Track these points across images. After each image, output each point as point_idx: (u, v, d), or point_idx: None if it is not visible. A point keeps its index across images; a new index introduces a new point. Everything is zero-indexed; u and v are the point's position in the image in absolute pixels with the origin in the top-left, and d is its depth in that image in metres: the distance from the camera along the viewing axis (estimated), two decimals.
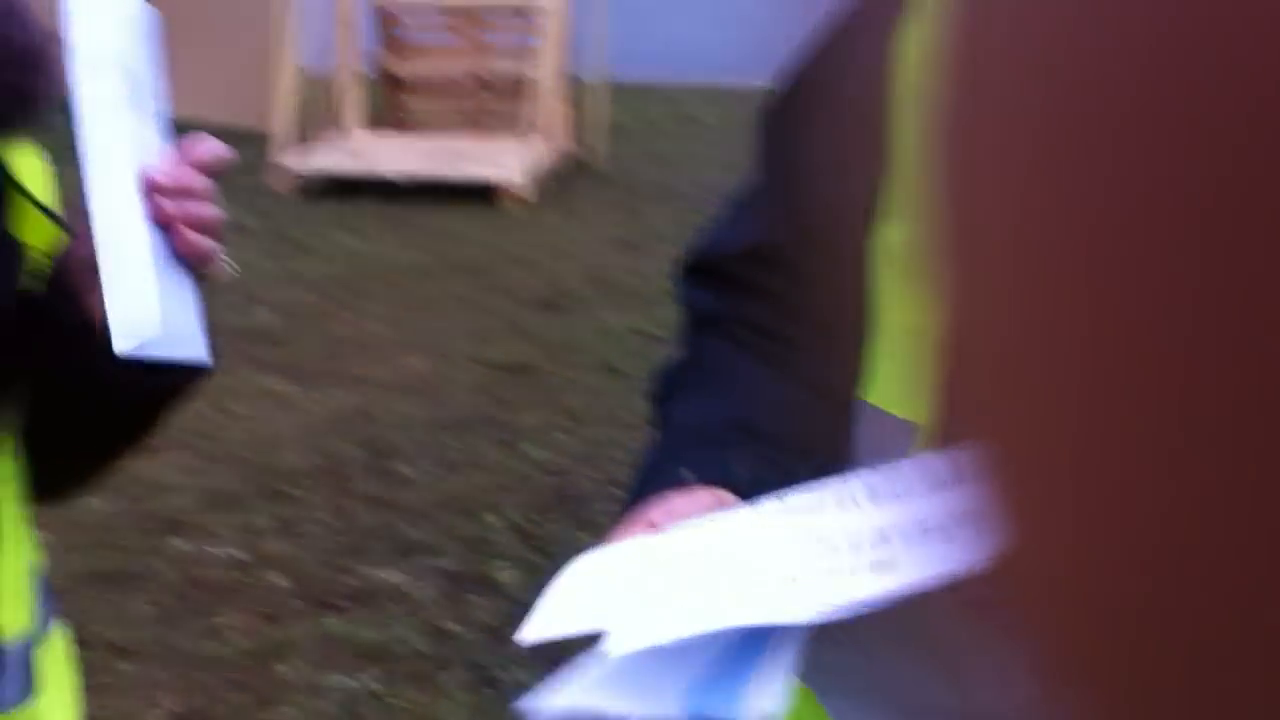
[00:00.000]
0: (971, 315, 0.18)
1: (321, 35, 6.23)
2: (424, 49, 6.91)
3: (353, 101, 6.51)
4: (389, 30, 6.83)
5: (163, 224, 0.87)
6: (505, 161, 5.86)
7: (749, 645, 0.64)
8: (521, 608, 2.84)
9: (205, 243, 0.90)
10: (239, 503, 3.16)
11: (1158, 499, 0.15)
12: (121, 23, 0.89)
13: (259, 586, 2.84)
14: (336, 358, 4.05)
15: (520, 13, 6.47)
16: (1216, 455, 0.15)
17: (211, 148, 0.92)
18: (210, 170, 0.91)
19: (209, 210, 0.90)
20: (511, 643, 2.68)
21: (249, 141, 6.06)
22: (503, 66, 6.66)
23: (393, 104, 6.85)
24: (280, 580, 2.86)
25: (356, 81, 6.51)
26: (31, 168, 0.93)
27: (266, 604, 2.78)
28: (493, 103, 6.74)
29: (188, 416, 3.44)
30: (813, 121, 0.79)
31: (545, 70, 6.14)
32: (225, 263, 0.93)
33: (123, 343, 0.84)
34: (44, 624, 0.96)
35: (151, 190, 0.87)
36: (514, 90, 6.44)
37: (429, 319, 4.40)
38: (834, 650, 0.65)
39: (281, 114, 5.95)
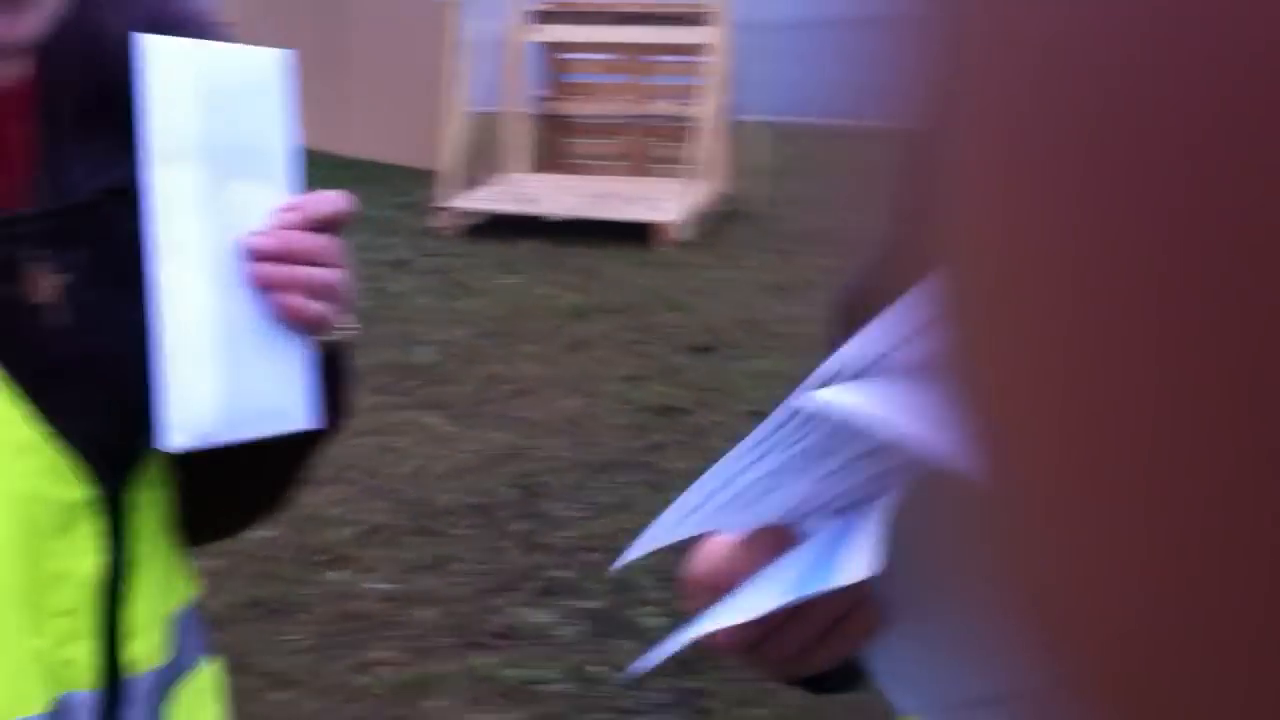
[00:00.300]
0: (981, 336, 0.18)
1: (489, 77, 6.40)
2: (588, 90, 7.05)
3: (517, 142, 6.66)
4: (555, 72, 6.99)
5: (265, 290, 0.84)
6: (664, 204, 5.91)
7: (841, 533, 0.65)
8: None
9: (312, 307, 0.86)
10: (394, 538, 3.25)
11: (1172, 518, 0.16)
12: (227, 82, 0.85)
13: (410, 621, 2.91)
14: (491, 397, 4.14)
15: (683, 52, 6.55)
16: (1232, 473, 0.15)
17: (323, 203, 0.87)
18: (327, 226, 0.87)
19: (319, 273, 0.86)
20: (654, 688, 2.69)
21: (420, 181, 6.26)
22: (665, 108, 6.75)
23: (555, 145, 6.99)
24: (430, 616, 2.93)
25: (521, 122, 6.66)
26: None
27: (416, 639, 2.85)
28: (654, 144, 6.83)
29: (350, 450, 3.56)
30: (941, 164, 0.78)
31: (706, 111, 6.19)
32: (343, 325, 0.89)
33: (173, 438, 0.82)
34: (188, 658, 0.96)
35: (254, 256, 0.84)
36: (675, 131, 6.51)
37: (582, 360, 4.47)
38: (896, 646, 0.65)
39: (448, 155, 6.13)
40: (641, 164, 6.78)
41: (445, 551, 3.21)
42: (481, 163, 6.32)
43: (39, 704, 0.83)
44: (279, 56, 0.90)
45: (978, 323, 0.18)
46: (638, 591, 3.04)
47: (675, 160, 6.34)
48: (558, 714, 2.63)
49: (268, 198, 0.87)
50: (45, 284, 0.82)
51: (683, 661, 2.78)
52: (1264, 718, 0.16)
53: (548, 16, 6.75)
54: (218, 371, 0.84)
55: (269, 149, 0.88)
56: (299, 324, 0.86)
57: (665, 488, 3.52)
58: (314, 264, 0.86)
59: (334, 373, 0.92)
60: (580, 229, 5.76)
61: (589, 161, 6.93)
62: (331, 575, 3.05)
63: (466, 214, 6.00)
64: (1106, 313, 0.16)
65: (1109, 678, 0.17)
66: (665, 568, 3.11)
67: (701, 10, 6.29)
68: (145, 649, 0.89)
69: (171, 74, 0.83)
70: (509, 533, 3.31)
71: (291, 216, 0.86)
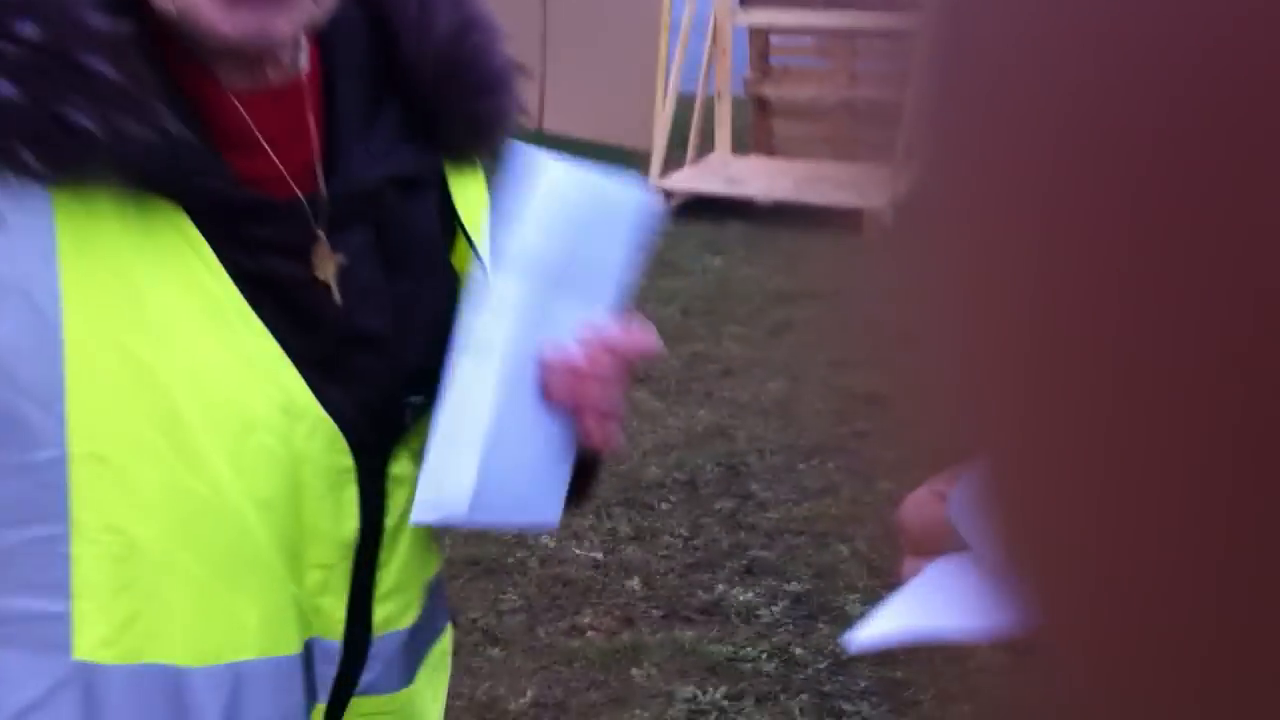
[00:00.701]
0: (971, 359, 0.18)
1: (698, 59, 6.44)
2: (795, 73, 7.02)
3: (724, 124, 6.69)
4: (761, 55, 6.98)
5: (557, 402, 0.91)
6: (871, 188, 5.86)
7: None
8: None
9: (597, 427, 0.92)
10: (602, 508, 3.32)
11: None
12: (591, 209, 0.91)
13: (617, 590, 2.98)
14: (698, 376, 4.18)
15: (892, 36, 6.47)
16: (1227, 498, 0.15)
17: (635, 342, 0.93)
18: (631, 359, 0.93)
19: (608, 396, 0.92)
20: (857, 674, 2.70)
21: (629, 160, 6.35)
22: (871, 92, 6.68)
23: (762, 128, 6.99)
24: (636, 586, 3.00)
25: (728, 105, 6.68)
26: (473, 195, 0.99)
27: (623, 608, 2.91)
28: (860, 128, 6.77)
29: None
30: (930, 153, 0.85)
31: (914, 97, 6.10)
32: (620, 443, 0.96)
33: (420, 513, 0.90)
34: (435, 623, 1.03)
35: (553, 370, 0.91)
36: (882, 116, 6.43)
37: (788, 343, 4.47)
38: None
39: (658, 136, 6.19)
40: (846, 148, 6.73)
41: (651, 524, 3.27)
42: (689, 143, 6.36)
43: (295, 645, 0.89)
44: (644, 198, 0.96)
45: (950, 310, 0.18)
46: (843, 577, 3.04)
47: (882, 145, 6.27)
48: (761, 692, 2.66)
49: (588, 316, 0.92)
50: (327, 264, 0.87)
51: (885, 650, 2.77)
52: (1228, 700, 0.16)
53: (753, 0, 6.75)
54: (481, 463, 0.89)
55: (604, 275, 0.93)
56: (578, 438, 0.92)
57: (870, 475, 3.50)
58: (608, 386, 0.92)
59: (588, 470, 0.99)
60: (786, 213, 5.76)
61: (792, 143, 6.91)
62: (543, 540, 3.14)
63: (674, 194, 6.05)
64: (1068, 306, 0.16)
65: (1090, 669, 0.17)
66: (869, 555, 3.10)
67: None
68: (394, 611, 0.95)
69: (549, 197, 0.89)
70: (714, 510, 3.35)
71: (603, 341, 0.91)
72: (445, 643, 1.06)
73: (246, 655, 0.87)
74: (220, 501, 0.83)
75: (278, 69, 0.86)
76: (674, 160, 6.24)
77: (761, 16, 6.73)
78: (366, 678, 0.94)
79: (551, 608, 2.89)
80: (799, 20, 6.73)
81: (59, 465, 0.80)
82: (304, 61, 0.88)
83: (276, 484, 0.85)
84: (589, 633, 2.81)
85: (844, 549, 3.15)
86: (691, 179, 6.24)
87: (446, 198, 0.97)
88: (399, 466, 0.93)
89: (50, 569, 0.82)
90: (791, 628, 2.85)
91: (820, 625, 2.85)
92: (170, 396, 0.81)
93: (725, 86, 6.66)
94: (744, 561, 3.11)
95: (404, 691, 0.99)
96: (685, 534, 3.23)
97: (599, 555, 3.12)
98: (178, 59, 0.82)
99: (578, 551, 3.12)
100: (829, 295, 4.90)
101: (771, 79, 7.00)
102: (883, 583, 2.98)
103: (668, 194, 6.03)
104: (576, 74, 7.03)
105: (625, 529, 3.24)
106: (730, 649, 2.78)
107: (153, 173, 0.79)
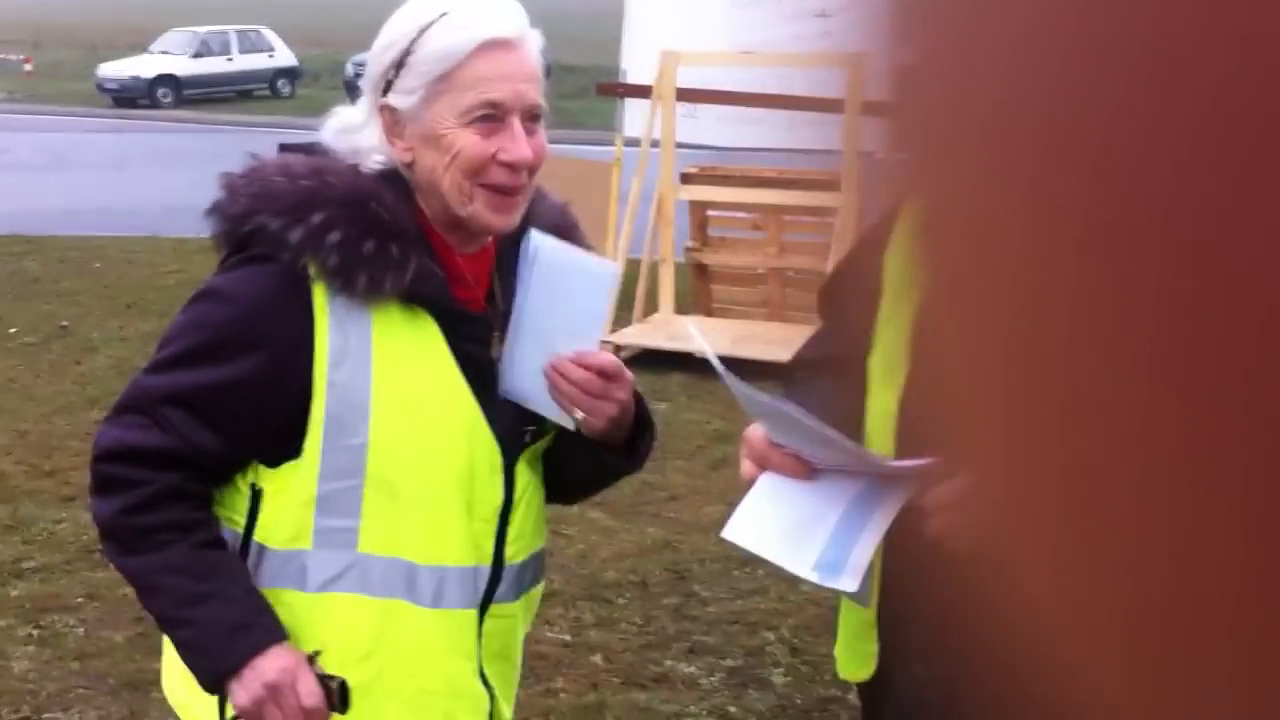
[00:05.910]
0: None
1: (645, 228, 7.25)
2: (730, 243, 7.86)
3: (667, 287, 7.47)
4: (701, 226, 7.82)
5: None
6: (799, 346, 6.60)
7: (854, 523, 1.26)
8: (789, 704, 3.56)
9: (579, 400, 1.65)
10: (569, 601, 3.94)
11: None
12: (576, 277, 1.53)
13: (583, 664, 3.59)
14: (648, 500, 4.84)
15: (816, 213, 7.33)
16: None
17: (602, 359, 1.60)
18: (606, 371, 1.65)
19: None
20: None
21: None
22: (800, 261, 7.51)
23: (701, 291, 7.79)
24: (600, 661, 3.60)
25: (671, 270, 7.48)
26: None
27: (589, 677, 3.52)
28: (790, 294, 7.59)
29: None
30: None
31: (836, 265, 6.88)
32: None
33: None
34: (536, 574, 1.65)
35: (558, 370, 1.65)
36: (809, 283, 7.24)
37: (726, 475, 5.14)
38: None
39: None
40: (779, 311, 7.53)
41: (610, 615, 3.89)
42: (635, 303, 7.12)
43: (470, 563, 1.55)
44: (612, 267, 1.65)
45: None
46: (769, 656, 3.67)
47: (809, 309, 7.03)
48: None
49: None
50: (496, 349, 1.56)
51: (807, 712, 3.39)
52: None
53: (693, 178, 7.63)
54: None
55: (587, 327, 1.58)
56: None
57: (796, 580, 4.14)
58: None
59: (640, 427, 1.64)
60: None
61: (730, 306, 7.71)
62: None
63: (623, 348, 6.78)
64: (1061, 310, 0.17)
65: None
66: (791, 640, 3.74)
67: (833, 177, 7.07)
68: (514, 551, 1.61)
69: (548, 268, 1.54)
70: (662, 605, 3.98)
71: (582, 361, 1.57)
72: (539, 590, 1.70)
73: (449, 563, 1.52)
74: (441, 474, 1.50)
75: (483, 240, 1.55)
76: (622, 319, 6.99)
77: (700, 192, 7.59)
78: (498, 591, 1.59)
79: (530, 676, 3.49)
80: (734, 196, 7.59)
81: (363, 447, 1.46)
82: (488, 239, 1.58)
83: (464, 468, 1.52)
84: (561, 694, 3.42)
85: (770, 635, 3.78)
86: (639, 335, 6.98)
87: None
88: (524, 464, 1.60)
89: (352, 503, 1.47)
90: (727, 693, 3.47)
91: (750, 691, 3.47)
92: (421, 414, 1.47)
93: (668, 253, 7.46)
94: (687, 644, 3.73)
95: (513, 605, 1.63)
96: (639, 622, 3.85)
97: (567, 637, 3.73)
98: (433, 235, 1.49)
99: (549, 634, 3.73)
100: None
101: (710, 248, 7.83)
102: (801, 660, 3.63)
103: (617, 348, 6.76)
104: None
105: (589, 618, 3.85)
106: (678, 708, 3.38)
107: (421, 300, 1.47)
